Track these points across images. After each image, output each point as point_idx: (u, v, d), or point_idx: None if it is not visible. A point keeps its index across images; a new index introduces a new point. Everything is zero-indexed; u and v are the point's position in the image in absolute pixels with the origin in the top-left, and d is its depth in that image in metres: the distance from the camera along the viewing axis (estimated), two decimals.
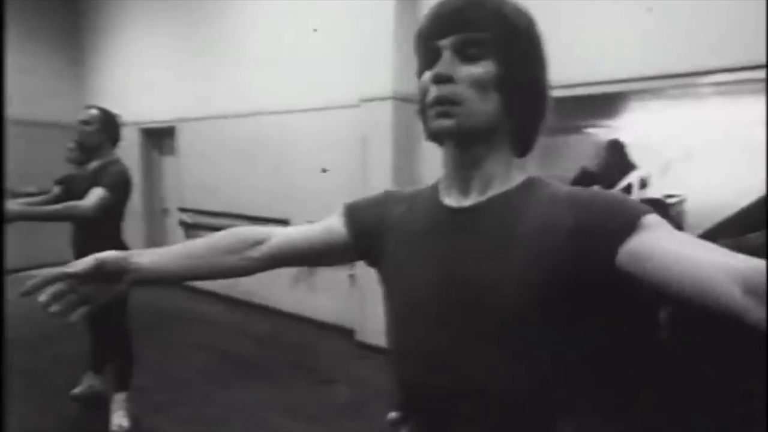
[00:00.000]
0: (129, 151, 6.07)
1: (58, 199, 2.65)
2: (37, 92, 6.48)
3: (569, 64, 2.92)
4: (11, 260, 6.08)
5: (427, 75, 0.69)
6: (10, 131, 6.21)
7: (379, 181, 3.79)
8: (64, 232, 2.74)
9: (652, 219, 0.62)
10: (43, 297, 0.71)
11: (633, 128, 6.17)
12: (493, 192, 0.72)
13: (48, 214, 2.40)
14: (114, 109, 2.76)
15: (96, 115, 2.62)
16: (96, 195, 2.40)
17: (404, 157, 3.84)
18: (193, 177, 5.81)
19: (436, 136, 0.71)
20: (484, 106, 0.67)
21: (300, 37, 4.52)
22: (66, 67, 6.89)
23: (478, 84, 0.66)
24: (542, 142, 0.75)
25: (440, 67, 0.66)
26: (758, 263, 0.49)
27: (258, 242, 0.85)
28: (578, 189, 0.70)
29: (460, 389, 0.68)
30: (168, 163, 6.33)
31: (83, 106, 2.72)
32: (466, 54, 0.67)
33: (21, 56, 6.38)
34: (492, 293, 0.66)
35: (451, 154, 0.74)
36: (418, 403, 0.75)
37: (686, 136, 6.14)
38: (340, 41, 4.20)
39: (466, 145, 0.71)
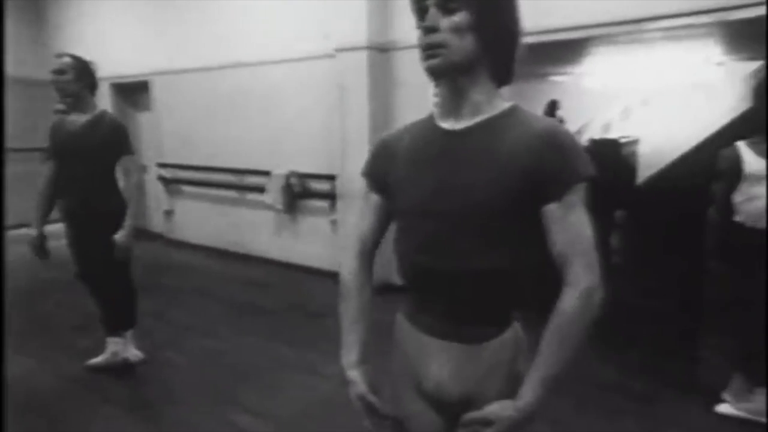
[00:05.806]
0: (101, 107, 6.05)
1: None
2: None
3: (535, 13, 3.05)
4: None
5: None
6: None
7: (356, 129, 3.98)
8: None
9: (580, 190, 0.87)
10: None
11: (595, 75, 6.46)
12: (481, 117, 0.93)
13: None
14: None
15: (69, 63, 2.54)
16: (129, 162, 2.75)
17: (380, 103, 4.01)
18: (171, 132, 5.84)
19: (429, 73, 0.94)
20: (462, 46, 0.88)
21: None
22: (27, 23, 6.65)
23: (457, 30, 0.87)
24: (515, 88, 0.98)
25: (427, 21, 0.89)
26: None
27: (368, 253, 1.16)
28: (549, 126, 0.90)
29: (451, 269, 0.94)
30: (144, 118, 6.31)
31: (54, 56, 2.64)
32: (447, 8, 0.87)
33: None
34: (476, 196, 0.90)
35: (443, 86, 0.96)
36: (419, 281, 1.02)
37: (643, 81, 6.46)
38: None
39: (452, 78, 0.92)
